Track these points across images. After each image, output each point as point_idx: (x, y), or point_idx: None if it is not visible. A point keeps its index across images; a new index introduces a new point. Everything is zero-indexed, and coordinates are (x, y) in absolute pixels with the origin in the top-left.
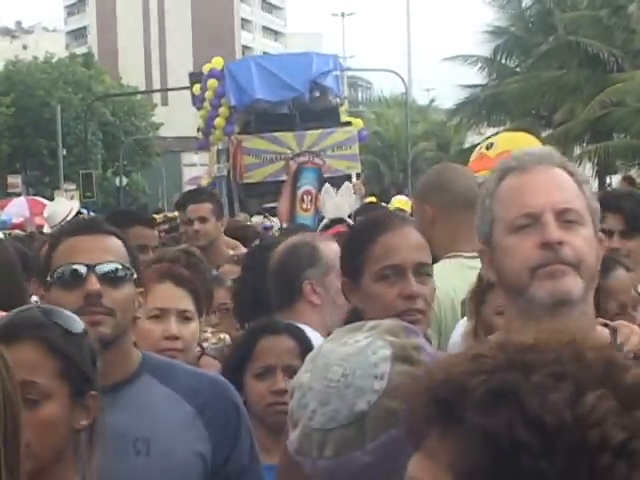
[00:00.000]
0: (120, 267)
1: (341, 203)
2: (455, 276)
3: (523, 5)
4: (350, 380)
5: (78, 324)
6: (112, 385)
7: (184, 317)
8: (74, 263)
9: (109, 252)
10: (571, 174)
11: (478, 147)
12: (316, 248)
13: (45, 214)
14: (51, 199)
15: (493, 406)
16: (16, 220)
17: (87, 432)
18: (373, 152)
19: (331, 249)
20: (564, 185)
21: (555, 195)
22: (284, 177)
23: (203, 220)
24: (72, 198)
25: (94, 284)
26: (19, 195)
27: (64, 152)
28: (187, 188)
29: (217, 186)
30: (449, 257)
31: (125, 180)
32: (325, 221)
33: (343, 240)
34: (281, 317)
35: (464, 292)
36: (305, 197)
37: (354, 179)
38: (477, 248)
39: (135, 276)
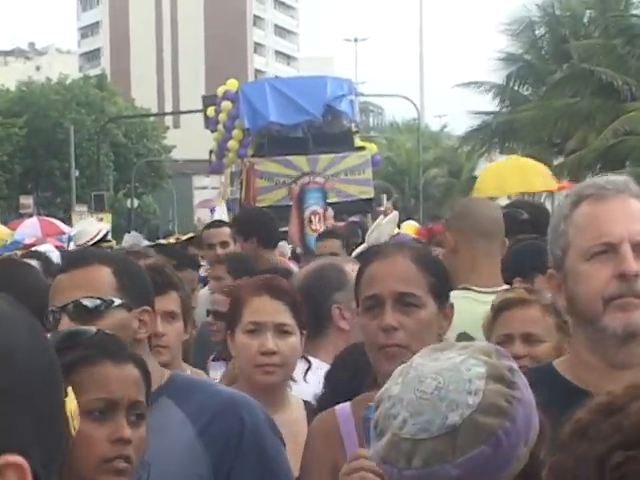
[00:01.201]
0: (96, 301)
1: (385, 230)
2: (464, 309)
3: (537, 33)
4: (444, 393)
5: None
6: None
7: (282, 331)
8: (52, 306)
9: (86, 286)
10: None
11: None
12: (343, 271)
13: (73, 232)
14: (63, 220)
15: (566, 443)
16: (28, 240)
17: None
18: (384, 177)
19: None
20: None
21: (633, 225)
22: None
23: (224, 245)
24: (101, 220)
25: (65, 326)
26: (31, 216)
27: (76, 173)
28: (198, 211)
29: (231, 209)
30: (459, 289)
31: (136, 202)
32: (361, 248)
33: None
34: (308, 344)
35: (471, 327)
36: (313, 218)
37: (385, 202)
38: (494, 281)
39: (119, 302)
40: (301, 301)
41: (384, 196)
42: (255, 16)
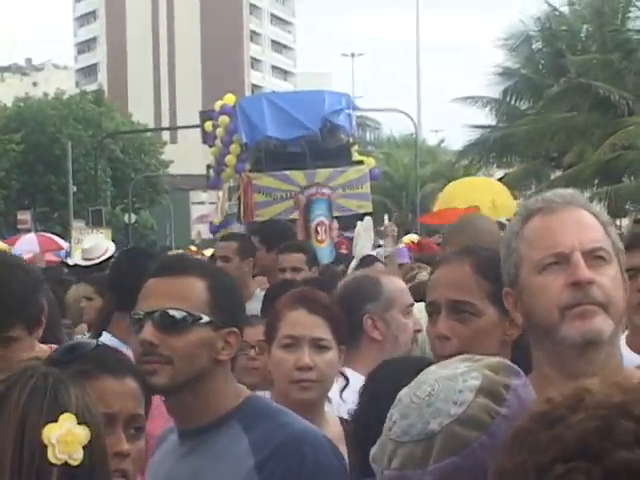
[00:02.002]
0: (184, 314)
1: (367, 239)
2: None
3: (534, 47)
4: (432, 400)
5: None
6: (195, 429)
7: (319, 346)
8: (139, 310)
9: (177, 297)
10: (596, 216)
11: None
12: (378, 282)
13: (86, 245)
14: (60, 235)
15: (508, 448)
16: (26, 256)
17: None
18: (382, 192)
19: (394, 284)
20: (591, 226)
21: (583, 235)
22: (294, 215)
23: (225, 259)
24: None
25: (147, 333)
26: (29, 231)
27: (74, 189)
28: (195, 226)
29: (228, 224)
30: None
31: (134, 217)
32: (354, 262)
33: None
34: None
35: None
36: (319, 228)
37: (386, 221)
38: None
39: (207, 319)
40: (340, 315)
41: (386, 216)
42: (252, 31)
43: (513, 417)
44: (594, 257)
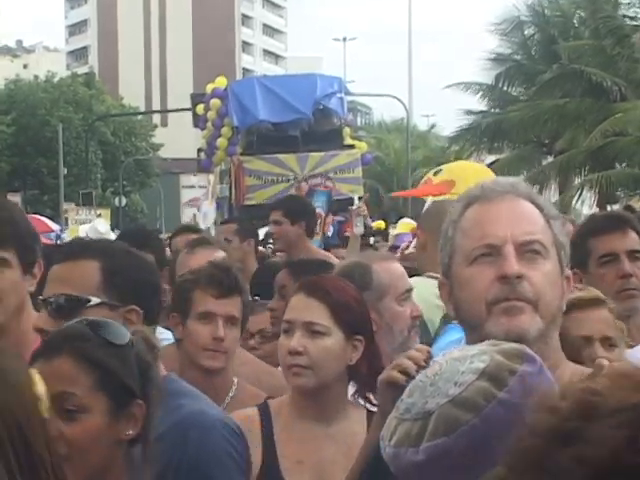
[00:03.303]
0: (72, 300)
1: None
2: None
3: (526, 33)
4: (437, 380)
5: (123, 336)
6: None
7: (312, 331)
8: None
9: (68, 281)
10: (539, 208)
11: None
12: (369, 270)
13: (102, 229)
14: (51, 218)
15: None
16: None
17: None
18: (373, 177)
19: (388, 270)
20: (528, 217)
21: (518, 226)
22: None
23: (225, 241)
24: (99, 216)
25: (40, 321)
26: None
27: (64, 171)
28: (185, 209)
29: (219, 207)
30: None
31: (124, 200)
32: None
33: None
34: None
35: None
36: None
37: (356, 202)
38: None
39: (97, 301)
40: (348, 302)
41: (355, 196)
42: (243, 15)
43: (513, 403)
44: (527, 250)
